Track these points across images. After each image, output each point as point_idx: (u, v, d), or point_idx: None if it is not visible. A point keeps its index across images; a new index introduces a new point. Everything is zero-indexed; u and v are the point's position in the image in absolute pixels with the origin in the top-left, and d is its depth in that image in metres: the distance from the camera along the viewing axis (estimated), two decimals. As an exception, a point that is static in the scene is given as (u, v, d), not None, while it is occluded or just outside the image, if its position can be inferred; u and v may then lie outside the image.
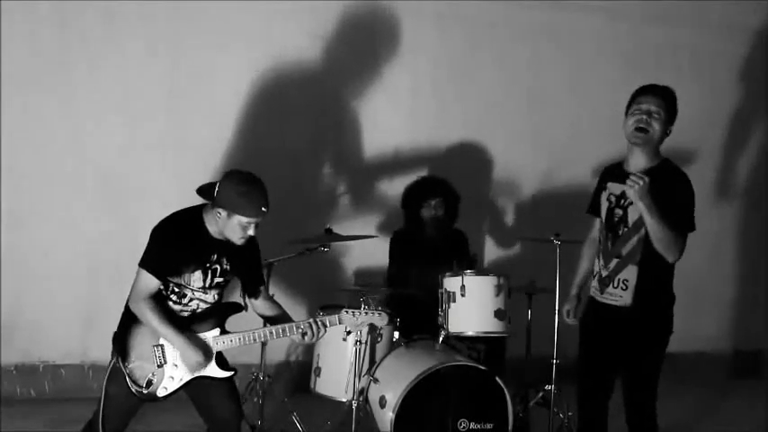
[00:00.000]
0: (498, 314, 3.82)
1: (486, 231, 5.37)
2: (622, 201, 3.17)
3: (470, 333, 3.84)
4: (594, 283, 3.32)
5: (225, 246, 3.06)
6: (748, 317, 6.05)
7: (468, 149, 5.30)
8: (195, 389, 3.11)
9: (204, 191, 3.02)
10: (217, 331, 3.07)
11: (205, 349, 3.03)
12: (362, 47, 5.07)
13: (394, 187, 4.91)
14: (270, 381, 3.98)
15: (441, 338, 3.86)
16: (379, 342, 3.95)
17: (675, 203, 3.07)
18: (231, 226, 2.98)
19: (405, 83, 5.16)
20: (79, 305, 4.61)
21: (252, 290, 3.26)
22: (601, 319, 3.27)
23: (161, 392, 3.02)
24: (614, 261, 3.19)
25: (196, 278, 3.04)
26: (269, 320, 3.26)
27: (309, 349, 4.12)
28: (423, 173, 4.95)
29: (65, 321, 4.62)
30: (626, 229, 3.15)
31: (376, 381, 3.75)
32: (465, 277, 3.85)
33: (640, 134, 3.10)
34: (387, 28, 5.07)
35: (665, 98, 3.13)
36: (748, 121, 5.91)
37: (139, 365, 3.00)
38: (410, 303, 4.31)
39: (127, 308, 3.04)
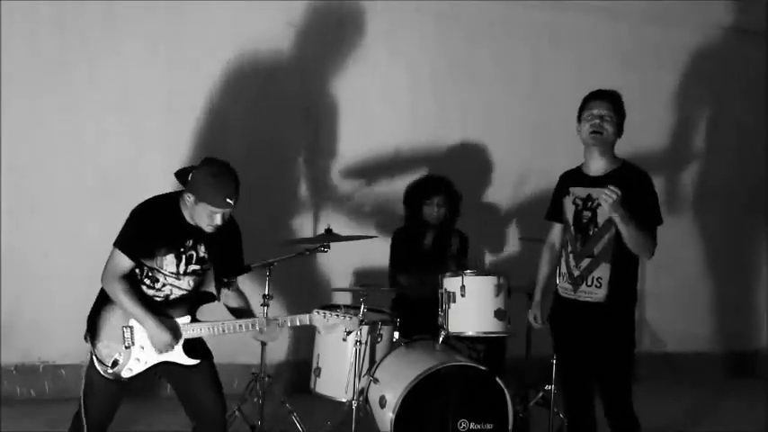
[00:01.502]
0: (498, 314, 3.83)
1: (486, 232, 5.37)
2: (589, 203, 3.34)
3: (470, 333, 3.85)
4: (564, 283, 3.43)
5: (202, 233, 3.05)
6: (745, 317, 6.06)
7: (468, 149, 5.30)
8: (178, 381, 3.13)
9: (180, 174, 3.04)
10: (187, 319, 3.08)
11: (175, 332, 3.03)
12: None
13: (394, 187, 4.90)
14: (270, 381, 3.99)
15: (441, 338, 3.86)
16: (379, 342, 3.95)
17: (641, 201, 3.24)
18: (198, 212, 2.98)
19: (404, 82, 5.16)
20: (79, 305, 4.51)
21: (229, 278, 3.25)
22: (574, 315, 3.38)
23: (126, 373, 3.02)
24: (586, 260, 3.33)
25: (168, 262, 3.04)
26: (233, 312, 3.27)
27: (309, 349, 4.12)
28: (423, 172, 4.95)
29: (65, 321, 4.57)
30: (596, 229, 3.31)
31: (376, 381, 3.75)
32: (465, 277, 3.86)
33: (597, 136, 3.31)
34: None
35: (612, 102, 3.36)
36: (747, 123, 5.91)
37: (108, 345, 3.02)
38: (410, 303, 4.31)
39: (101, 290, 3.07)
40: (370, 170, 5.09)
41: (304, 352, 4.88)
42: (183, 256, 3.05)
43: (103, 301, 3.07)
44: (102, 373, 3.00)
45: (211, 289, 3.28)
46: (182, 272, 3.06)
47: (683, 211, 5.62)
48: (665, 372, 5.53)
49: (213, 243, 3.10)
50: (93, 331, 3.04)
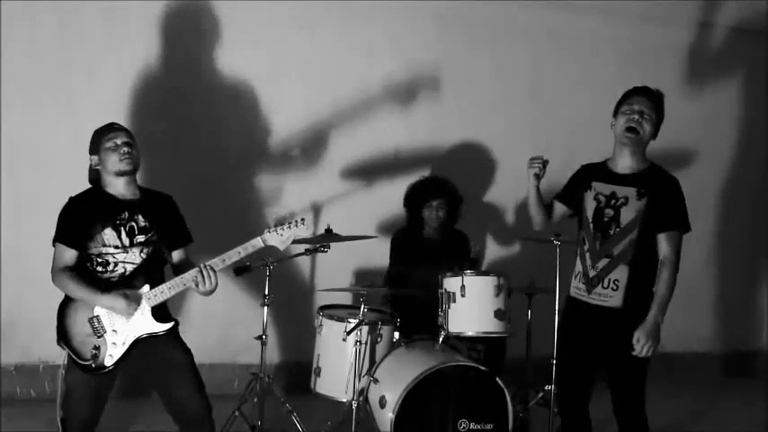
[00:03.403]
0: (498, 314, 3.82)
1: (486, 232, 5.37)
2: (613, 201, 3.21)
3: (470, 333, 3.84)
4: (578, 283, 3.33)
5: (136, 204, 3.14)
6: (746, 317, 6.06)
7: (468, 150, 5.30)
8: (159, 381, 3.13)
9: (89, 174, 3.21)
10: (147, 287, 3.09)
11: (133, 297, 3.05)
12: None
13: (395, 187, 4.90)
14: (270, 381, 3.99)
15: (441, 338, 3.86)
16: (379, 342, 3.95)
17: (671, 207, 3.15)
18: (107, 157, 3.11)
19: (404, 83, 5.16)
20: (79, 305, 4.59)
21: (176, 248, 3.27)
22: (586, 319, 3.28)
23: (108, 361, 3.03)
24: (604, 260, 3.21)
25: (109, 236, 3.08)
26: (176, 269, 3.28)
27: (309, 349, 4.12)
28: (423, 173, 4.95)
29: (65, 321, 4.60)
30: (618, 230, 3.18)
31: (376, 381, 3.75)
32: (465, 277, 3.85)
33: (631, 135, 3.17)
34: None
35: (655, 101, 3.21)
36: (748, 123, 5.91)
37: (82, 341, 3.04)
38: (410, 303, 4.32)
39: (63, 297, 3.11)
40: (371, 170, 5.10)
41: (304, 352, 4.88)
42: (123, 229, 3.10)
43: (64, 304, 3.11)
44: (84, 371, 3.02)
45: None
46: (126, 244, 3.10)
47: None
48: (665, 372, 5.52)
49: (151, 211, 3.16)
50: (64, 335, 3.06)
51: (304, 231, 3.23)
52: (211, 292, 3.12)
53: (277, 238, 3.19)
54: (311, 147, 4.98)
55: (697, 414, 4.96)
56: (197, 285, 3.08)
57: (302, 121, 4.97)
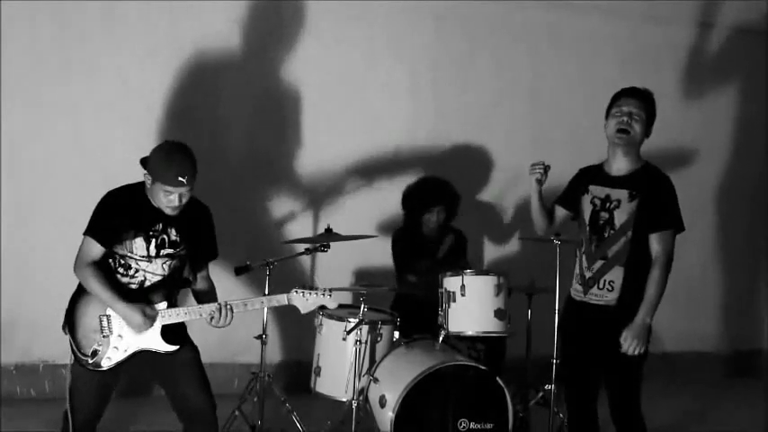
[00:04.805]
0: (498, 314, 3.82)
1: (486, 231, 5.37)
2: (608, 204, 3.24)
3: (470, 333, 3.85)
4: (576, 285, 3.36)
5: (172, 217, 3.06)
6: (747, 317, 6.05)
7: (468, 149, 5.30)
8: (165, 379, 3.13)
9: (144, 160, 3.07)
10: (164, 305, 3.07)
11: (150, 316, 3.03)
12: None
13: (394, 187, 4.90)
14: (270, 381, 3.99)
15: (441, 338, 3.86)
16: (379, 342, 3.95)
17: (662, 207, 3.17)
18: (155, 192, 3.00)
19: (404, 83, 5.16)
20: (79, 305, 4.59)
21: (201, 263, 3.25)
22: (583, 319, 3.31)
23: (105, 363, 3.03)
24: (599, 263, 3.24)
25: (138, 245, 3.04)
26: (195, 294, 3.28)
27: (309, 349, 4.12)
28: (422, 173, 4.95)
29: (65, 321, 4.61)
30: (612, 232, 3.21)
31: (376, 380, 3.75)
32: (465, 277, 3.85)
33: (623, 135, 3.20)
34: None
35: (644, 100, 3.23)
36: (748, 123, 5.91)
37: (86, 335, 3.03)
38: (410, 303, 4.32)
39: (79, 283, 3.08)
40: (371, 169, 5.09)
41: (304, 352, 4.88)
42: (153, 240, 3.05)
43: (80, 293, 3.08)
44: (83, 365, 3.01)
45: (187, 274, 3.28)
46: (153, 255, 3.06)
47: (682, 211, 5.61)
48: (665, 372, 5.52)
49: (185, 226, 3.10)
50: (71, 323, 3.05)
51: (330, 302, 3.26)
52: (223, 327, 3.13)
53: (302, 301, 3.21)
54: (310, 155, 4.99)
55: (697, 414, 4.95)
56: (211, 319, 3.09)
57: (302, 120, 4.97)
